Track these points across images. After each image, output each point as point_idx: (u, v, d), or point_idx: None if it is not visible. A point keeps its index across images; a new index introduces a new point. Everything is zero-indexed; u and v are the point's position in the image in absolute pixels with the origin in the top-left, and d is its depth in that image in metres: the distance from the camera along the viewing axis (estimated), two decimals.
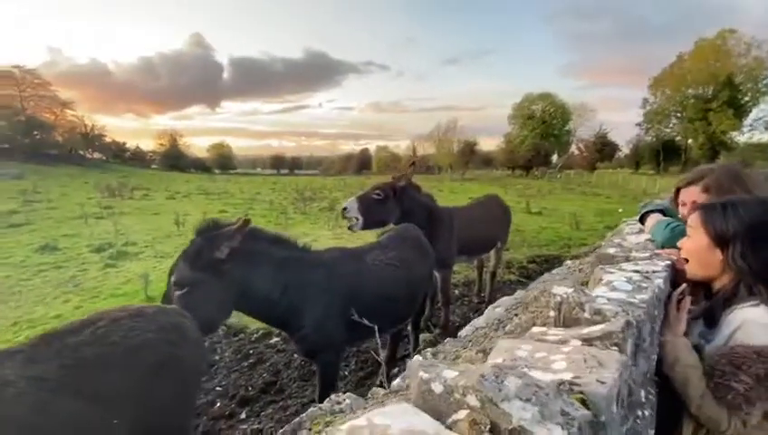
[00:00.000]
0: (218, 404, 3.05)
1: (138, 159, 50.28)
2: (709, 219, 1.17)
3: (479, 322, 1.40)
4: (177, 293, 1.80)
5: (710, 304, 1.19)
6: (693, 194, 1.57)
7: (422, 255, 2.69)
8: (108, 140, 47.58)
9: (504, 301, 1.54)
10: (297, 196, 18.14)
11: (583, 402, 0.52)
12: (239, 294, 1.92)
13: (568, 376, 0.59)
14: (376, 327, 1.79)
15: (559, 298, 0.87)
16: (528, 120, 43.22)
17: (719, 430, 1.08)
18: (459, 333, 1.46)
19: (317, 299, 2.02)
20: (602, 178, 30.55)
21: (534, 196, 19.31)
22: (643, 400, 1.03)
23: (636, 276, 1.05)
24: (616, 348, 0.66)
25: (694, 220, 1.22)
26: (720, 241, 1.14)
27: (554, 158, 45.43)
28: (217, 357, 3.81)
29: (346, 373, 3.38)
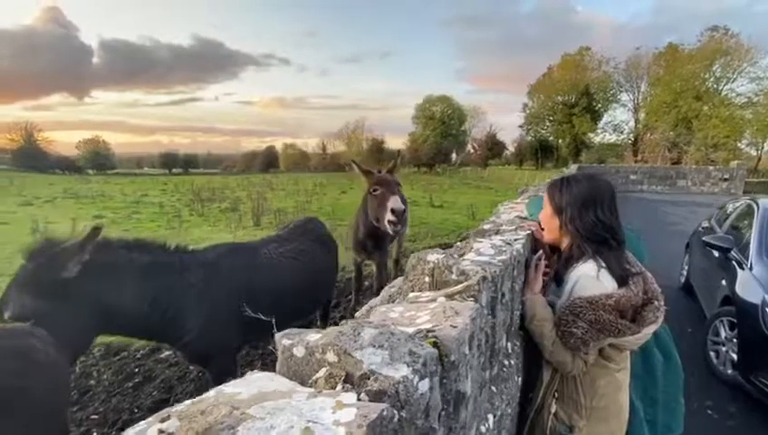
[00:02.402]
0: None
1: None
2: (551, 193, 1.41)
3: (375, 301, 1.43)
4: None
5: (557, 267, 1.42)
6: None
7: (323, 246, 2.66)
8: None
9: (398, 281, 1.61)
10: (193, 196, 16.51)
11: (435, 344, 0.56)
12: (99, 314, 1.65)
13: (428, 326, 0.63)
14: (273, 321, 1.72)
15: (431, 264, 0.93)
16: (429, 121, 45.98)
17: (566, 370, 1.28)
18: (356, 314, 1.48)
19: (197, 303, 1.83)
20: (493, 174, 34.04)
21: (437, 190, 20.64)
22: (509, 350, 1.17)
23: (499, 243, 1.18)
24: (472, 299, 0.73)
25: (545, 195, 1.45)
26: (557, 210, 1.37)
27: (454, 156, 49.16)
28: (93, 382, 3.28)
29: None
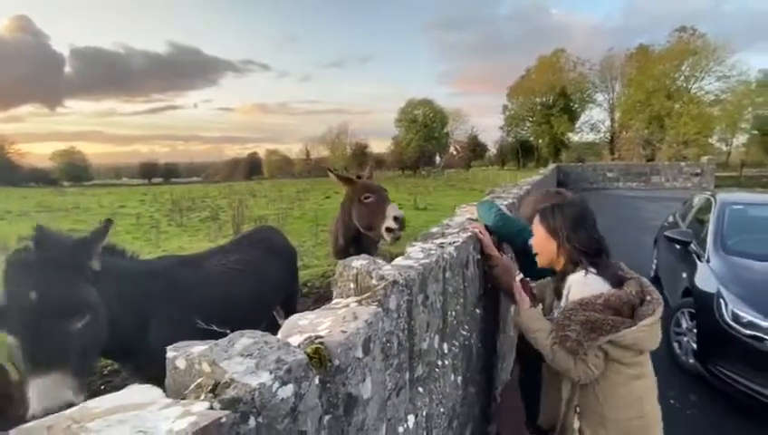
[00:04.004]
0: None
1: None
2: (544, 218, 1.52)
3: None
4: (78, 325, 1.21)
5: (556, 284, 1.52)
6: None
7: (273, 255, 2.63)
8: None
9: (343, 261, 1.64)
10: (172, 206, 16.21)
11: (316, 350, 0.58)
12: None
13: (322, 332, 0.65)
14: (227, 332, 1.71)
15: (355, 270, 0.95)
16: (412, 124, 46.31)
17: (572, 377, 1.30)
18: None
19: (156, 316, 1.78)
20: (476, 175, 34.42)
21: (422, 193, 20.74)
22: (445, 351, 1.19)
23: (432, 247, 1.21)
24: (376, 304, 0.75)
25: (535, 221, 1.55)
26: (553, 233, 1.48)
27: (437, 158, 49.57)
28: None
29: None
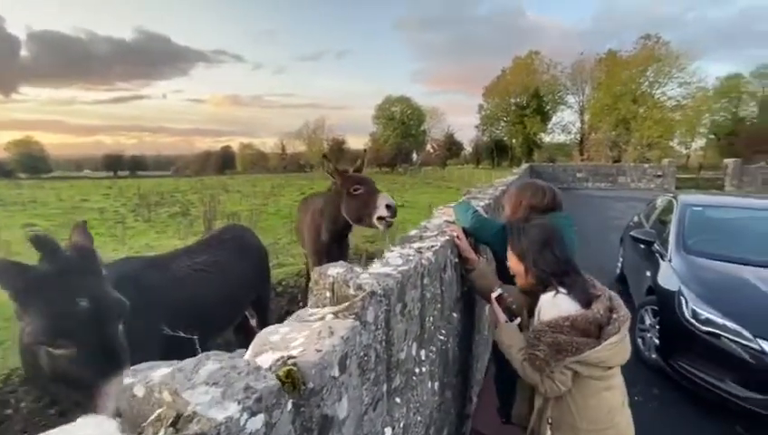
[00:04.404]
0: None
1: None
2: (512, 242, 1.57)
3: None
4: (121, 326, 1.24)
5: (528, 303, 1.56)
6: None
7: (243, 255, 2.55)
8: None
9: (319, 268, 1.59)
10: (139, 201, 15.51)
11: (289, 373, 0.54)
12: None
13: (295, 351, 0.61)
14: (196, 338, 1.63)
15: (331, 278, 0.92)
16: (390, 121, 46.33)
17: (541, 391, 1.37)
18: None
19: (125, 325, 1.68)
20: (452, 173, 34.83)
21: (399, 190, 20.79)
22: (422, 358, 1.18)
23: (410, 252, 1.19)
24: (353, 317, 0.72)
25: (508, 247, 1.59)
26: (520, 256, 1.52)
27: (414, 156, 49.84)
28: (11, 411, 2.98)
29: None
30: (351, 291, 0.89)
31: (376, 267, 1.02)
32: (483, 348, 2.85)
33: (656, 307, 3.56)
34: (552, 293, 1.41)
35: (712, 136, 39.26)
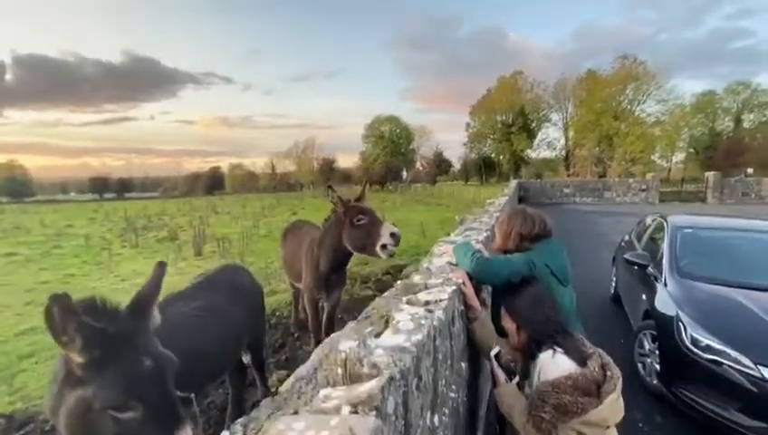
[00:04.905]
0: None
1: None
2: (506, 305, 1.61)
3: (302, 371, 1.33)
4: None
5: (523, 363, 1.58)
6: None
7: (239, 298, 2.47)
8: None
9: (328, 340, 1.52)
10: (126, 225, 15.22)
11: None
12: None
13: None
14: (192, 396, 1.55)
15: (343, 355, 0.87)
16: (379, 140, 46.90)
17: None
18: (280, 388, 1.37)
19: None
20: (442, 190, 35.18)
21: (390, 208, 20.83)
22: (436, 424, 1.13)
23: (420, 311, 1.15)
24: (374, 413, 0.68)
25: (502, 313, 1.63)
26: (514, 318, 1.58)
27: (404, 173, 50.29)
28: None
29: None
30: (365, 370, 0.85)
31: (387, 338, 0.97)
32: (484, 380, 2.78)
33: (654, 332, 3.56)
34: (551, 352, 1.43)
35: (691, 150, 40.62)
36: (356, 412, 0.70)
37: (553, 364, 1.38)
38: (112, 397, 0.98)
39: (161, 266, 1.33)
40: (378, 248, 3.15)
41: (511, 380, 1.51)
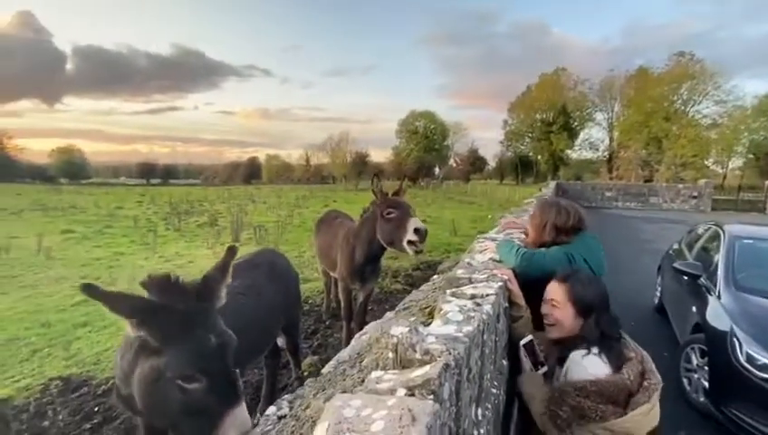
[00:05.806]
0: None
1: None
2: (572, 291, 1.48)
3: (344, 354, 1.37)
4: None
5: (560, 353, 1.50)
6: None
7: (276, 280, 2.54)
8: None
9: (370, 327, 1.55)
10: (170, 210, 16.07)
11: None
12: None
13: None
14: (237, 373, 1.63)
15: (395, 339, 0.88)
16: (413, 135, 46.54)
17: None
18: (322, 370, 1.42)
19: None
20: (475, 188, 34.54)
21: (421, 205, 20.71)
22: (479, 418, 1.12)
23: (468, 304, 1.15)
24: (432, 397, 0.68)
25: (560, 296, 1.50)
26: (583, 310, 1.45)
27: (437, 170, 49.75)
28: (47, 423, 3.05)
29: None
30: (418, 356, 0.86)
31: (437, 327, 0.98)
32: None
33: (704, 347, 3.34)
34: (583, 352, 1.36)
35: (751, 155, 37.43)
36: (412, 395, 0.71)
37: (580, 366, 1.34)
38: (182, 368, 1.06)
39: (231, 251, 1.38)
40: (405, 244, 3.12)
41: (537, 370, 1.47)
